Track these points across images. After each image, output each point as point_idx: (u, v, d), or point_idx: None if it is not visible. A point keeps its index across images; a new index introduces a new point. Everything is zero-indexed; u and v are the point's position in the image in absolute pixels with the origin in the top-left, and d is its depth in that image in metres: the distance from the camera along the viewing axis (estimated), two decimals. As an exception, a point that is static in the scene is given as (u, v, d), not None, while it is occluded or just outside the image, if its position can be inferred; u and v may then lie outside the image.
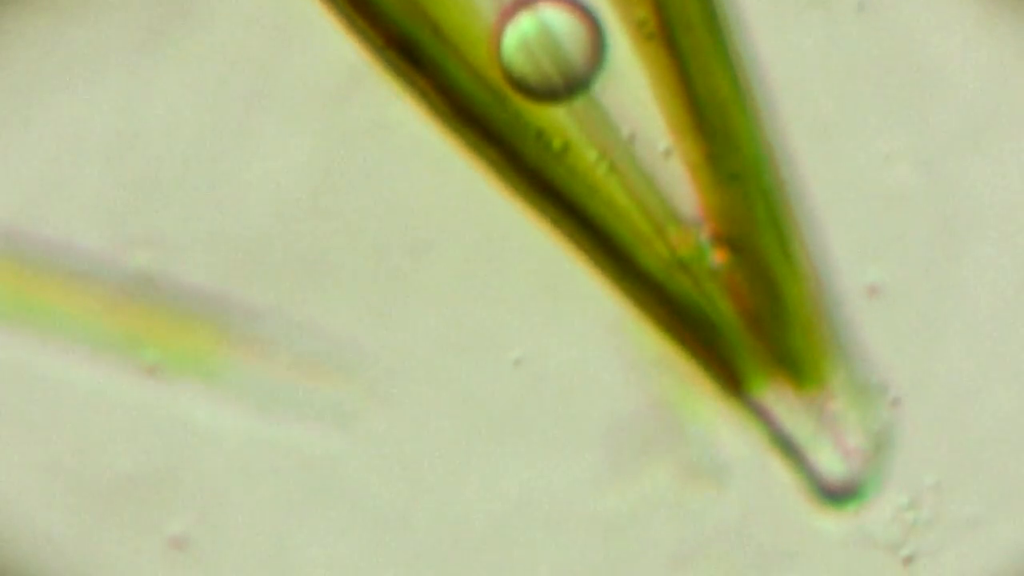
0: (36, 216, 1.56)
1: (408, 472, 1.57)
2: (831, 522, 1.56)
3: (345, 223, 1.57)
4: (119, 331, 1.55)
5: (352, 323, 1.57)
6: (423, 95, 1.54)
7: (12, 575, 1.55)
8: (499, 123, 1.53)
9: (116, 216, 1.56)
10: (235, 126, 1.57)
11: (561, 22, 1.53)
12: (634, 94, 1.54)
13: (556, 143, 1.53)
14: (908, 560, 1.56)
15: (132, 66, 1.56)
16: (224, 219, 1.57)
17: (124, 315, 1.55)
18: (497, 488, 1.58)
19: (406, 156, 1.57)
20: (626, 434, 1.57)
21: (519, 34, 1.53)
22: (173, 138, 1.57)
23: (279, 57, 1.57)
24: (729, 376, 1.55)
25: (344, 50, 1.55)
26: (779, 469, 1.56)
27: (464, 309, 1.58)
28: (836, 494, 1.56)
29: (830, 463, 1.56)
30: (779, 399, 1.55)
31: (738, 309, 1.55)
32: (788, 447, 1.55)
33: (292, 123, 1.57)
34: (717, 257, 1.54)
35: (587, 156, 1.53)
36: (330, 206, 1.57)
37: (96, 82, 1.56)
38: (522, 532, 1.58)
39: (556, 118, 1.53)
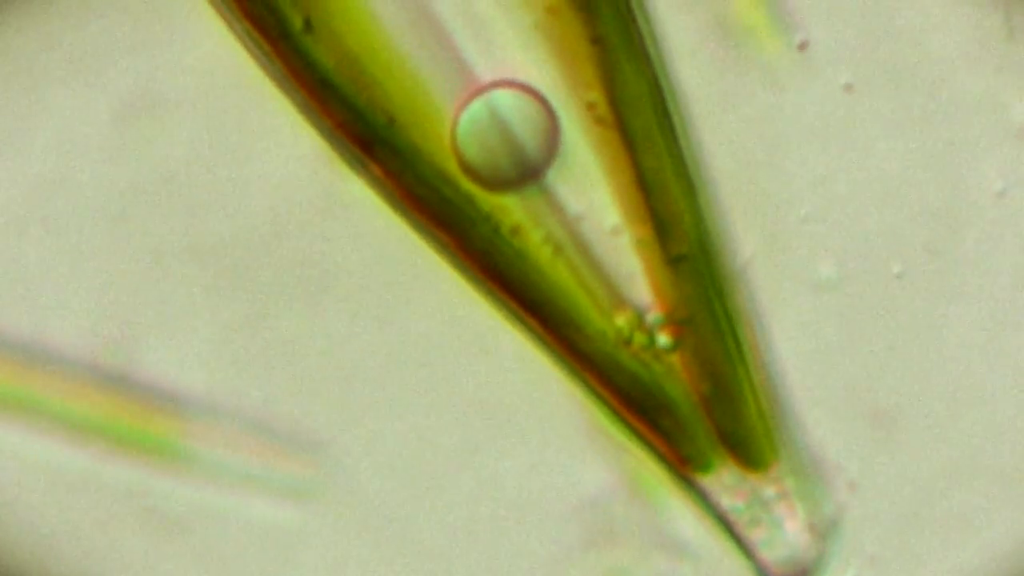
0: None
1: (368, 549, 1.60)
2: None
3: (304, 300, 1.60)
4: (88, 414, 1.59)
5: (311, 404, 1.60)
6: (376, 180, 1.56)
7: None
8: (450, 207, 1.55)
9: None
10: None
11: (517, 113, 1.54)
12: (583, 175, 1.55)
13: (505, 226, 1.55)
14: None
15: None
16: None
17: (93, 399, 1.59)
18: (467, 562, 1.60)
19: (362, 234, 1.59)
20: (592, 512, 1.59)
21: (474, 124, 1.54)
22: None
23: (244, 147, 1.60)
24: (677, 457, 1.57)
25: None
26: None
27: (422, 395, 1.60)
28: (779, 579, 1.58)
29: (776, 546, 1.57)
30: (726, 480, 1.56)
31: (686, 390, 1.56)
32: (732, 531, 1.57)
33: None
34: (665, 338, 1.55)
35: (536, 239, 1.55)
36: (290, 280, 1.60)
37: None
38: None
39: (506, 201, 1.55)
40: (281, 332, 1.59)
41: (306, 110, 1.56)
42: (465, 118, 1.53)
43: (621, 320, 1.55)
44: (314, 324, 1.59)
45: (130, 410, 1.59)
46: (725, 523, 1.57)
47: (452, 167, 1.54)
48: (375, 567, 1.59)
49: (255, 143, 1.59)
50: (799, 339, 1.58)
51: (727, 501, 1.57)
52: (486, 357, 1.59)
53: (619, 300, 1.55)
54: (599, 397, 1.57)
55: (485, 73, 1.54)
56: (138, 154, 1.59)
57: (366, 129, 1.55)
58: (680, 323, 1.55)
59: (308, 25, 1.53)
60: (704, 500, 1.57)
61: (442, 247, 1.57)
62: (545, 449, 1.59)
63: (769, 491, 1.57)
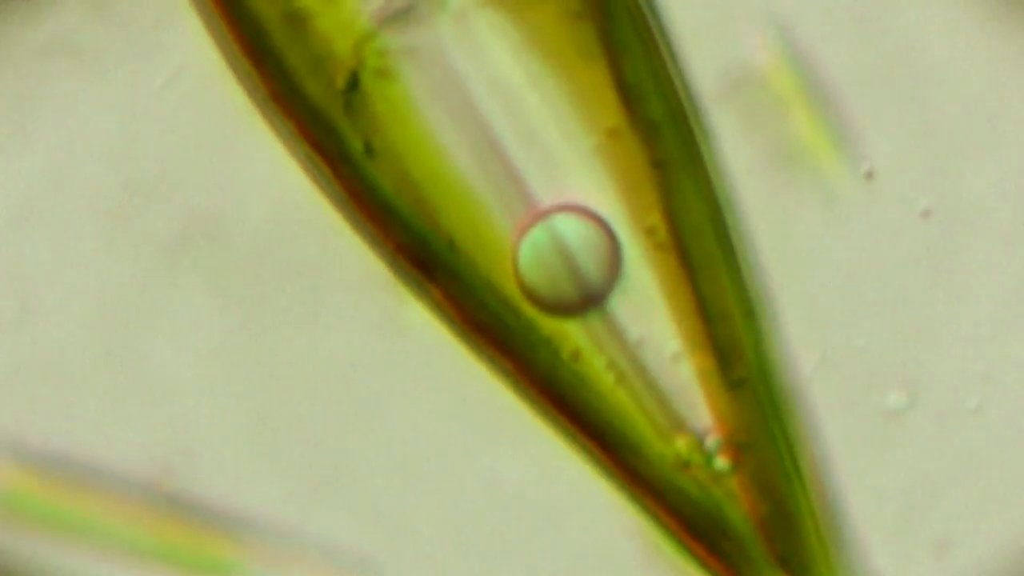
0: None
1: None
2: None
3: (362, 424, 1.61)
4: (145, 538, 1.59)
5: (365, 529, 1.60)
6: (436, 303, 1.56)
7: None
8: (511, 332, 1.55)
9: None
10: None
11: (578, 238, 1.54)
12: (643, 300, 1.55)
13: (566, 351, 1.55)
14: None
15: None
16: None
17: (150, 523, 1.59)
18: None
19: (420, 359, 1.59)
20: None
21: (535, 249, 1.54)
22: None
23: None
24: (736, 580, 1.57)
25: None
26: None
27: (479, 521, 1.60)
28: None
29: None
30: (786, 604, 1.57)
31: (745, 513, 1.56)
32: (793, 656, 1.57)
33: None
34: (723, 461, 1.56)
35: (596, 364, 1.55)
36: (346, 406, 1.60)
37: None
38: None
39: (566, 326, 1.55)
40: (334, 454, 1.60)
41: (366, 233, 1.57)
42: (526, 243, 1.54)
43: (680, 443, 1.56)
44: (367, 436, 1.60)
45: (186, 531, 1.59)
46: (784, 647, 1.57)
47: (513, 291, 1.55)
48: None
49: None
50: (861, 463, 1.59)
51: (785, 625, 1.57)
52: (545, 475, 1.59)
53: (678, 423, 1.56)
54: (658, 521, 1.57)
55: (546, 197, 1.54)
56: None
57: (427, 253, 1.55)
58: (739, 447, 1.56)
59: (369, 148, 1.54)
60: (763, 624, 1.57)
61: (502, 371, 1.57)
62: (605, 572, 1.59)
63: (828, 615, 1.57)
